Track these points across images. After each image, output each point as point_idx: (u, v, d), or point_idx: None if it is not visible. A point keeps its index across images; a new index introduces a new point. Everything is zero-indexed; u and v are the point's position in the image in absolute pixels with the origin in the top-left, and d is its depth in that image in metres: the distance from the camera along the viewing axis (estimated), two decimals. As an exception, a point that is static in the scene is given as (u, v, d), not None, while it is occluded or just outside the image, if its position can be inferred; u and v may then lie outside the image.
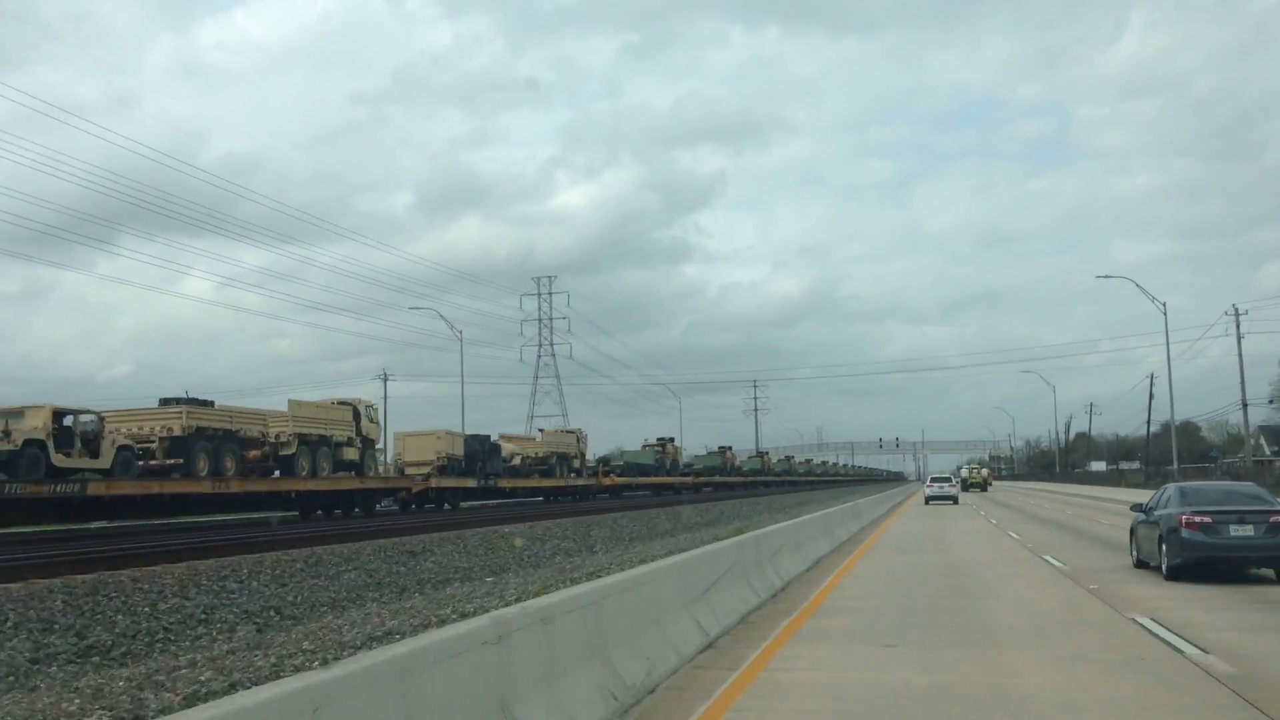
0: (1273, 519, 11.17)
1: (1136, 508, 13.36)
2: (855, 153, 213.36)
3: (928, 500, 41.53)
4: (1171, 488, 12.48)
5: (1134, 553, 13.23)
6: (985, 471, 73.84)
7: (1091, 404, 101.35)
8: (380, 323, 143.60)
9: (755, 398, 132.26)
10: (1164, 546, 11.60)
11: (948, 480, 45.68)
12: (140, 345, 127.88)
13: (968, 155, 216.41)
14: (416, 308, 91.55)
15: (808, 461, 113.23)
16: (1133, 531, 13.34)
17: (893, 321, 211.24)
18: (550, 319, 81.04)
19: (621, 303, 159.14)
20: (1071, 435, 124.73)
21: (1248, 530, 11.17)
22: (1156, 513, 12.15)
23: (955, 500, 41.85)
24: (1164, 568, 11.61)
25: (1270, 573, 11.55)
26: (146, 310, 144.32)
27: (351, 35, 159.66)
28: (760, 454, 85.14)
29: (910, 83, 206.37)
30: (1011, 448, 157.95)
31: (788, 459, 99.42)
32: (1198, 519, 11.21)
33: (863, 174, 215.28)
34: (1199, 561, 11.19)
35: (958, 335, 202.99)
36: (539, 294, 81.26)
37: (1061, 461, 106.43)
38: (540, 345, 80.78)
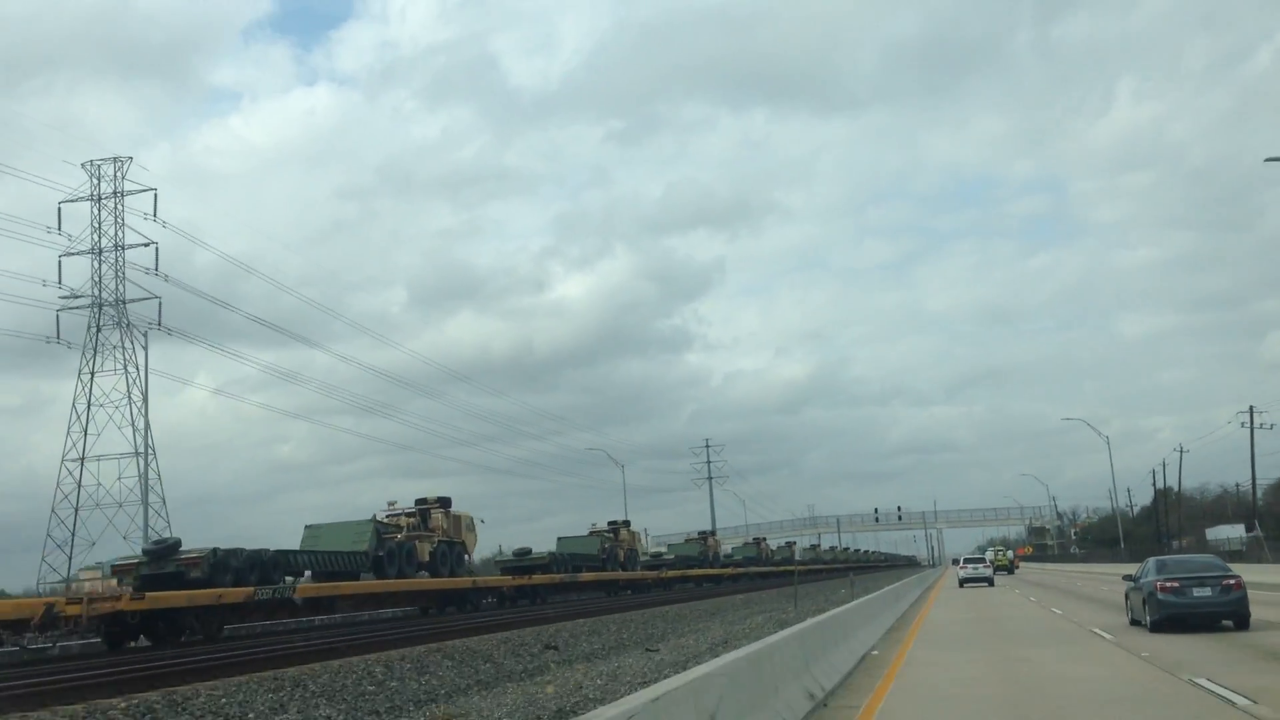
0: (1224, 582, 20.88)
1: (1127, 578, 23.16)
2: (854, 235, 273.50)
3: (962, 583, 53.88)
4: (1151, 561, 22.34)
5: (1129, 613, 23.06)
6: (1010, 553, 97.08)
7: (1252, 408, 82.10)
8: (381, 423, 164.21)
9: (709, 462, 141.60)
10: (1146, 607, 21.22)
11: (981, 561, 59.85)
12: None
13: (967, 234, 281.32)
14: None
15: (813, 548, 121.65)
16: (1127, 596, 23.20)
17: (899, 403, 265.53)
18: (119, 223, 62.54)
19: (622, 395, 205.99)
20: (1119, 504, 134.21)
21: (1207, 591, 20.84)
22: (1141, 581, 21.89)
23: (990, 582, 54.60)
24: (1148, 623, 21.20)
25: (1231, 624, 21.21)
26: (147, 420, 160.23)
27: (339, 133, 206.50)
28: (756, 540, 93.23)
29: (904, 163, 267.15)
30: (1059, 513, 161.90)
31: (788, 545, 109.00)
32: (1169, 584, 20.85)
33: (863, 256, 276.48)
34: (1170, 617, 20.77)
35: (965, 415, 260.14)
36: (94, 193, 63.11)
37: (1154, 528, 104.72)
38: (99, 272, 62.86)
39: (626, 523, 62.76)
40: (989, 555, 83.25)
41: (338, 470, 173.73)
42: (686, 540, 78.45)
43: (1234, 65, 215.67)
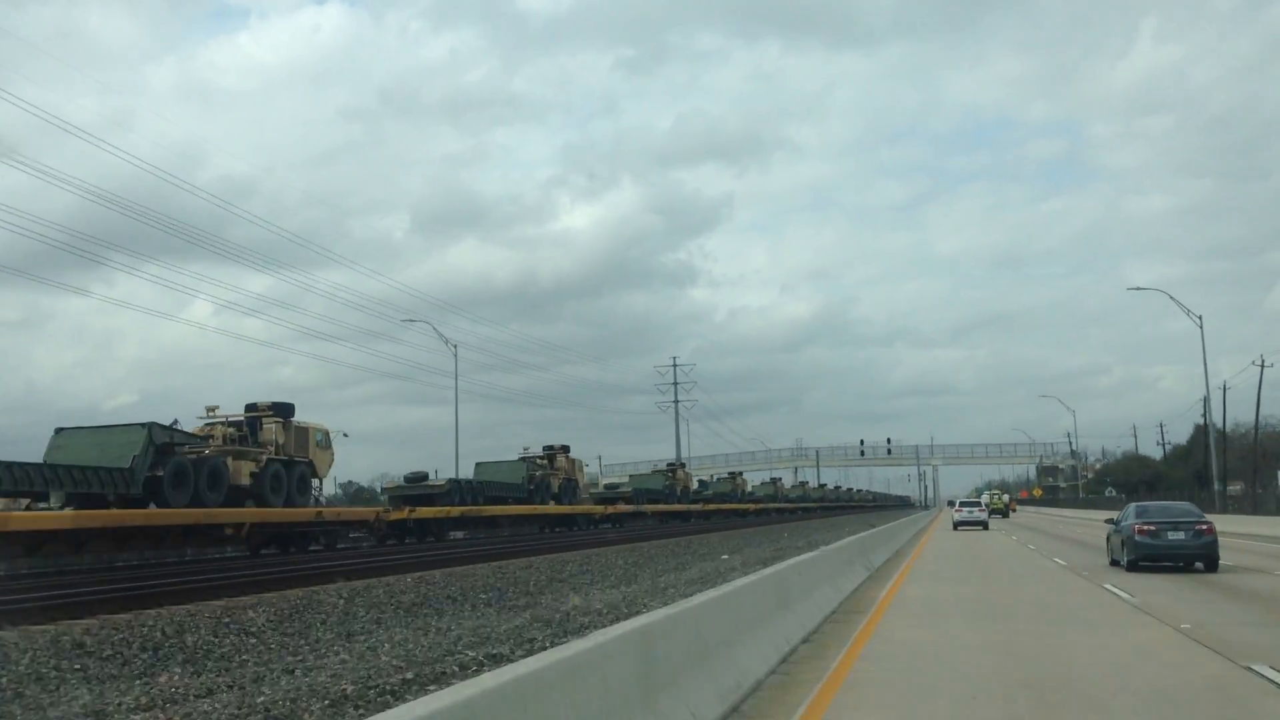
0: (1197, 527, 26.00)
1: (1109, 521, 28.31)
2: (866, 173, 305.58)
3: (956, 525, 60.30)
4: (1132, 506, 27.56)
5: (1109, 554, 28.36)
6: (1005, 497, 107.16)
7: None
8: (377, 352, 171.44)
9: (675, 383, 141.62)
10: (1124, 548, 26.30)
11: (977, 504, 66.09)
12: (143, 373, 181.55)
13: (980, 176, 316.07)
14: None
15: (773, 482, 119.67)
16: (1108, 539, 28.43)
17: (902, 345, 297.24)
18: None
19: (625, 327, 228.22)
20: (1157, 441, 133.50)
21: (1180, 535, 25.96)
22: (1121, 524, 27.04)
23: (985, 526, 61.14)
24: (1124, 563, 26.29)
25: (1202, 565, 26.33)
26: (148, 338, 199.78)
27: (346, 54, 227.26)
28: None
29: (920, 101, 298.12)
30: (1074, 451, 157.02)
31: (772, 482, 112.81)
32: (1146, 527, 25.95)
33: (873, 195, 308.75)
34: (1146, 557, 25.95)
35: (969, 359, 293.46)
36: None
37: (1195, 470, 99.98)
38: None
39: (565, 449, 60.54)
40: (984, 499, 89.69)
41: (338, 395, 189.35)
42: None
43: (1261, 9, 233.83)
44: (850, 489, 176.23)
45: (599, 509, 64.72)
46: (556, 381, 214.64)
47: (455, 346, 73.25)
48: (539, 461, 58.36)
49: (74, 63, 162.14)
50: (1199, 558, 26.22)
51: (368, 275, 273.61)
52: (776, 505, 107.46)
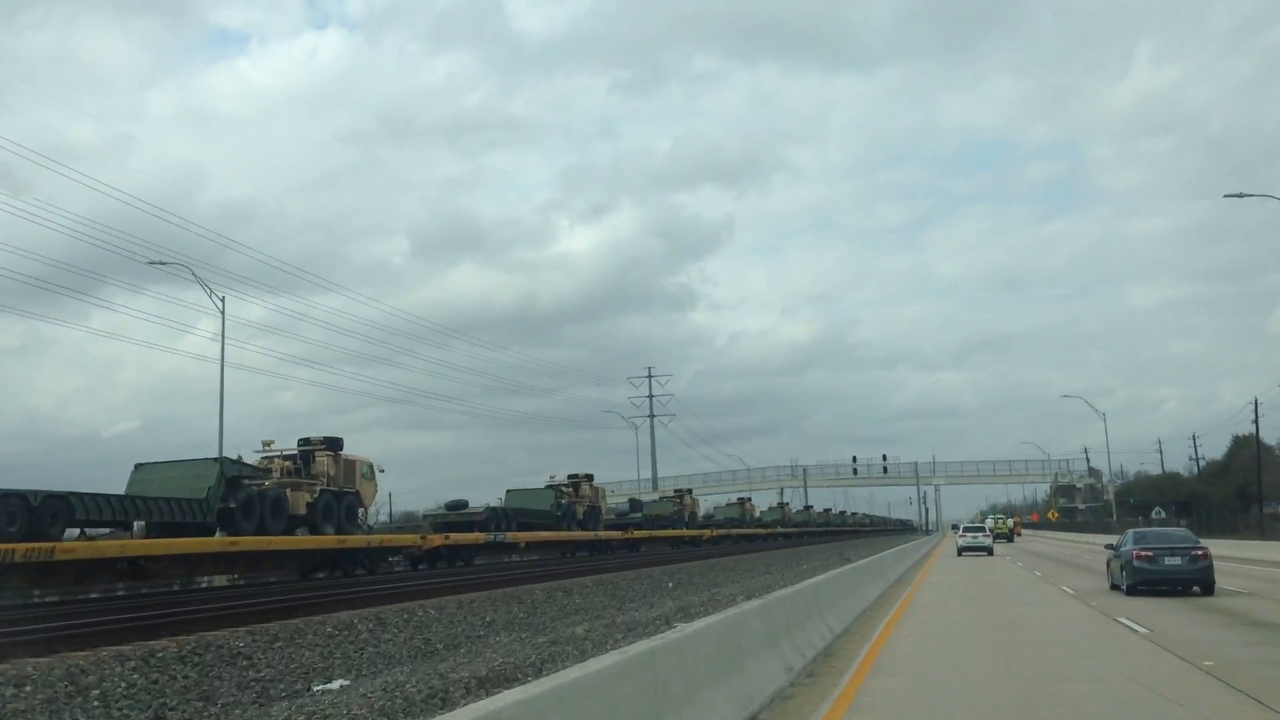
0: (1193, 552, 29.24)
1: (1109, 547, 31.61)
2: (865, 196, 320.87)
3: (961, 551, 64.06)
4: (1131, 532, 31.05)
5: (1110, 579, 31.77)
6: (1009, 521, 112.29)
7: None
8: (374, 379, 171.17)
9: (650, 396, 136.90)
10: (1124, 573, 29.37)
11: (981, 530, 70.32)
12: (144, 400, 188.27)
13: (980, 199, 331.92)
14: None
15: (740, 503, 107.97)
16: (1108, 564, 31.81)
17: (904, 368, 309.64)
18: None
19: (625, 351, 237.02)
20: (1190, 457, 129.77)
21: (1177, 560, 29.18)
22: (1120, 550, 30.31)
23: (990, 551, 64.78)
24: (1124, 587, 29.33)
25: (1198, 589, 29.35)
26: (147, 364, 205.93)
27: (344, 78, 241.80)
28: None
29: (918, 123, 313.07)
30: (1091, 470, 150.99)
31: (739, 503, 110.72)
32: (1144, 553, 29.18)
33: (873, 218, 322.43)
34: (1144, 582, 29.26)
35: (970, 381, 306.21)
36: None
37: (1236, 489, 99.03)
38: None
39: (333, 443, 43.74)
40: (989, 523, 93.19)
41: (339, 420, 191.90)
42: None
43: (1259, 30, 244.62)
44: (844, 512, 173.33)
45: (411, 540, 47.57)
46: (557, 404, 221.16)
47: (223, 299, 59.10)
48: (273, 464, 39.57)
49: (71, 89, 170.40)
50: (1195, 582, 29.61)
51: (365, 301, 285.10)
52: (744, 531, 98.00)
